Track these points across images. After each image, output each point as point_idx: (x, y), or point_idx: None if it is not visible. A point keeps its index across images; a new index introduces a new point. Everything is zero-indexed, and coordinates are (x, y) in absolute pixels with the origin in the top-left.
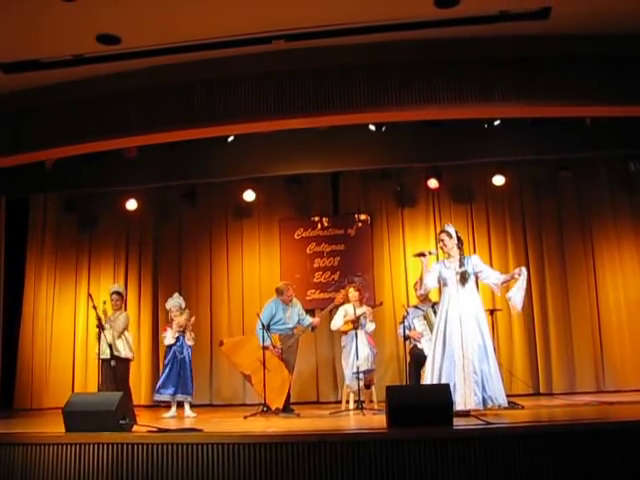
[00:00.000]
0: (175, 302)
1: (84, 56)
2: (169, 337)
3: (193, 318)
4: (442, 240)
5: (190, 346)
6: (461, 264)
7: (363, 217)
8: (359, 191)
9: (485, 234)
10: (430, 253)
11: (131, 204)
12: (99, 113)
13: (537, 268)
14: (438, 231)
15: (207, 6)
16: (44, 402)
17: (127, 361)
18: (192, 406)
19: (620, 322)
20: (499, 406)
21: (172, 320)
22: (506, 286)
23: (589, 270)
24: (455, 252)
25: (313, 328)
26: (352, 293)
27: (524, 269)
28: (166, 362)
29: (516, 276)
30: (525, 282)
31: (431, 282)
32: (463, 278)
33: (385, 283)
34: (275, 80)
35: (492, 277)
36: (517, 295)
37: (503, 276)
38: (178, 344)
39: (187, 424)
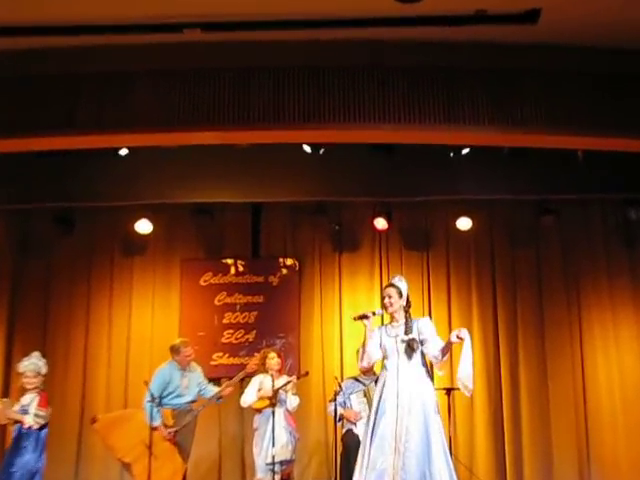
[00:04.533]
0: (31, 364)
1: None
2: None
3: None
4: (389, 296)
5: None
6: (407, 331)
7: (290, 262)
8: (286, 229)
9: (444, 291)
10: (374, 314)
11: None
12: None
13: (509, 337)
14: (385, 284)
15: None
16: None
17: None
18: None
19: (613, 410)
20: None
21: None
22: (447, 360)
23: (574, 342)
24: (400, 315)
25: (219, 398)
26: (272, 360)
27: (465, 331)
28: None
29: (454, 339)
30: (470, 350)
31: (376, 351)
32: (410, 349)
33: (314, 348)
34: (185, 80)
35: (433, 347)
36: (464, 369)
37: (441, 343)
38: None
39: None
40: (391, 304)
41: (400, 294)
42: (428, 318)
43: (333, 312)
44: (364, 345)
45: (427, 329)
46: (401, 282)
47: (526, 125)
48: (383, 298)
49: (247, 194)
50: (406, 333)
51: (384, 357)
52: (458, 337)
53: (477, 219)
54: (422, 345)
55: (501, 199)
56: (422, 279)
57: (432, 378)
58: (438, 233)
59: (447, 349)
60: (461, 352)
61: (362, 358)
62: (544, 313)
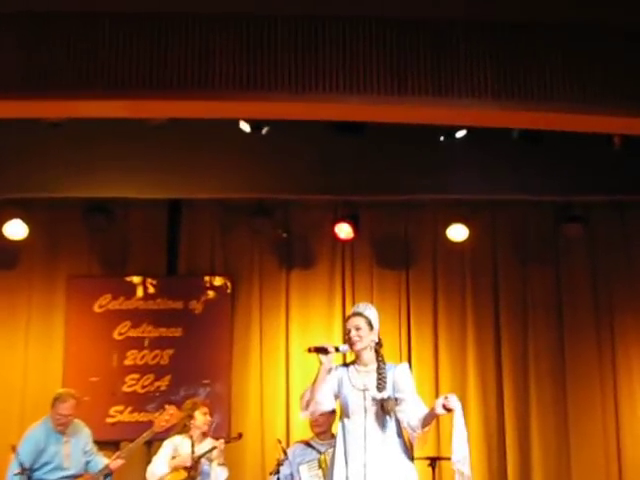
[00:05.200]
0: None
1: None
2: None
3: None
4: (357, 328)
5: None
6: (381, 384)
7: (219, 282)
8: (215, 236)
9: (429, 324)
10: (337, 350)
11: None
12: None
13: (517, 388)
14: (349, 312)
15: None
16: None
17: None
18: None
19: None
20: None
21: None
22: (425, 435)
23: (607, 396)
24: (369, 356)
25: (108, 475)
26: (203, 416)
27: (454, 399)
28: None
29: (440, 410)
30: (463, 423)
31: (328, 400)
32: (384, 410)
33: (250, 400)
34: (73, 27)
35: (412, 413)
36: (459, 450)
37: (423, 412)
38: None
39: None
40: (360, 338)
41: (370, 326)
42: (406, 365)
43: (277, 351)
44: (314, 388)
45: (405, 383)
46: (370, 310)
47: (544, 99)
48: (348, 331)
49: (162, 187)
50: (379, 388)
51: (344, 414)
52: (445, 407)
53: (476, 227)
54: (395, 405)
55: (509, 200)
56: (399, 307)
57: (412, 455)
58: (422, 245)
59: (430, 420)
60: (451, 423)
61: (306, 403)
62: (566, 355)
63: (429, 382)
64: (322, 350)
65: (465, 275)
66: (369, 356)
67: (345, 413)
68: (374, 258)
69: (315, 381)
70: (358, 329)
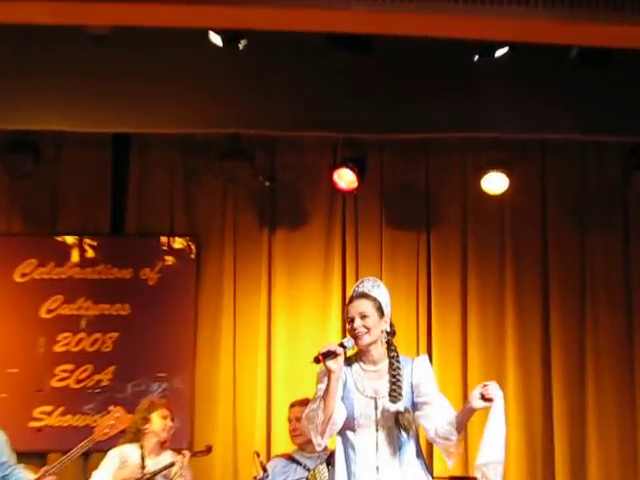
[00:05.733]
0: None
1: None
2: None
3: None
4: (363, 316)
5: None
6: (396, 391)
7: (180, 244)
8: (174, 184)
9: (456, 301)
10: (344, 347)
11: None
12: None
13: (569, 388)
14: (351, 293)
15: None
16: None
17: None
18: None
19: None
20: None
21: None
22: (460, 442)
23: None
24: (380, 352)
25: None
26: (162, 420)
27: (495, 387)
28: None
29: (477, 404)
30: (503, 417)
31: (343, 414)
32: (400, 426)
33: (220, 399)
34: None
35: (439, 420)
36: (491, 450)
37: (452, 415)
38: None
39: None
40: (368, 330)
41: (381, 311)
42: (426, 358)
43: (256, 336)
44: (327, 405)
45: (426, 383)
46: (379, 289)
47: (611, 8)
48: (351, 320)
49: (105, 119)
50: (393, 398)
51: (346, 427)
52: (485, 398)
53: (519, 175)
54: (416, 411)
55: (563, 141)
56: (417, 281)
57: (432, 475)
58: (448, 198)
59: (465, 421)
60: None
61: (322, 428)
62: (635, 351)
63: (454, 381)
64: (330, 355)
65: (504, 240)
66: (379, 352)
67: (349, 425)
68: (384, 215)
69: (326, 396)
70: (364, 317)
